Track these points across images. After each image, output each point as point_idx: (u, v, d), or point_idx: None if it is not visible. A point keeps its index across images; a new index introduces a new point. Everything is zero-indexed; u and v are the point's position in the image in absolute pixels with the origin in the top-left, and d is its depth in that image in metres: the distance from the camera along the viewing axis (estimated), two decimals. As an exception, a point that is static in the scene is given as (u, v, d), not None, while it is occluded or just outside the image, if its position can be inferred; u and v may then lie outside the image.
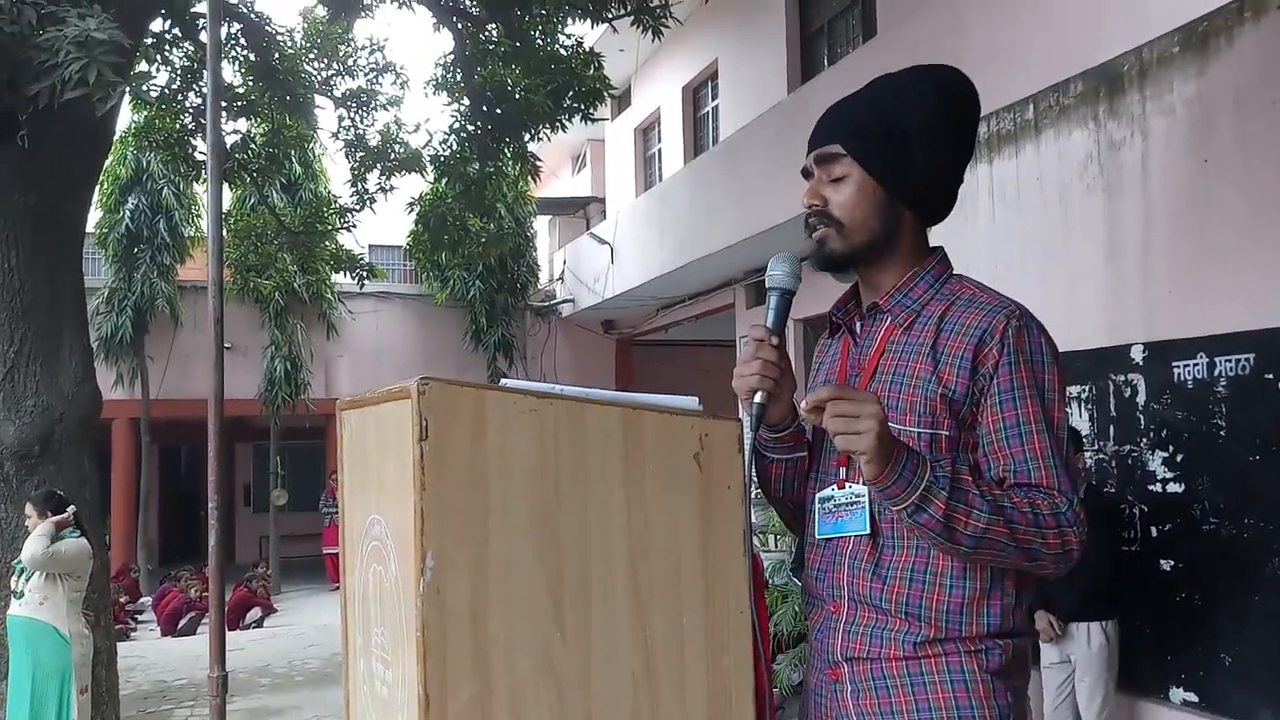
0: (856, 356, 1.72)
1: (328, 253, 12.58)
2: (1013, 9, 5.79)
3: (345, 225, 11.12)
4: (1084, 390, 4.99)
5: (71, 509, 5.41)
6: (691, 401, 1.63)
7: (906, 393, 1.60)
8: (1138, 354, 4.75)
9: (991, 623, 1.57)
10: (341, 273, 13.11)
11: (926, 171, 1.64)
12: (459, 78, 9.07)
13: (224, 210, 5.79)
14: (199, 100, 9.00)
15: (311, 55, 9.64)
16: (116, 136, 9.07)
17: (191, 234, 14.69)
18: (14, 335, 5.92)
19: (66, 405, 6.06)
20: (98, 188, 9.33)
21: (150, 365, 14.68)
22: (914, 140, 1.63)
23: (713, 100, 12.56)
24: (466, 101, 9.10)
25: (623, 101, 14.97)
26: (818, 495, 1.70)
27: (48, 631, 5.28)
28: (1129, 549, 4.74)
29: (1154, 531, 4.66)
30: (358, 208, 10.43)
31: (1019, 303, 1.62)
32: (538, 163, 9.61)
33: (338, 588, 12.27)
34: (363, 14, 8.96)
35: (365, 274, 12.13)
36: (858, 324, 1.75)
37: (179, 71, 8.94)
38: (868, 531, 1.60)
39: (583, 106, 9.00)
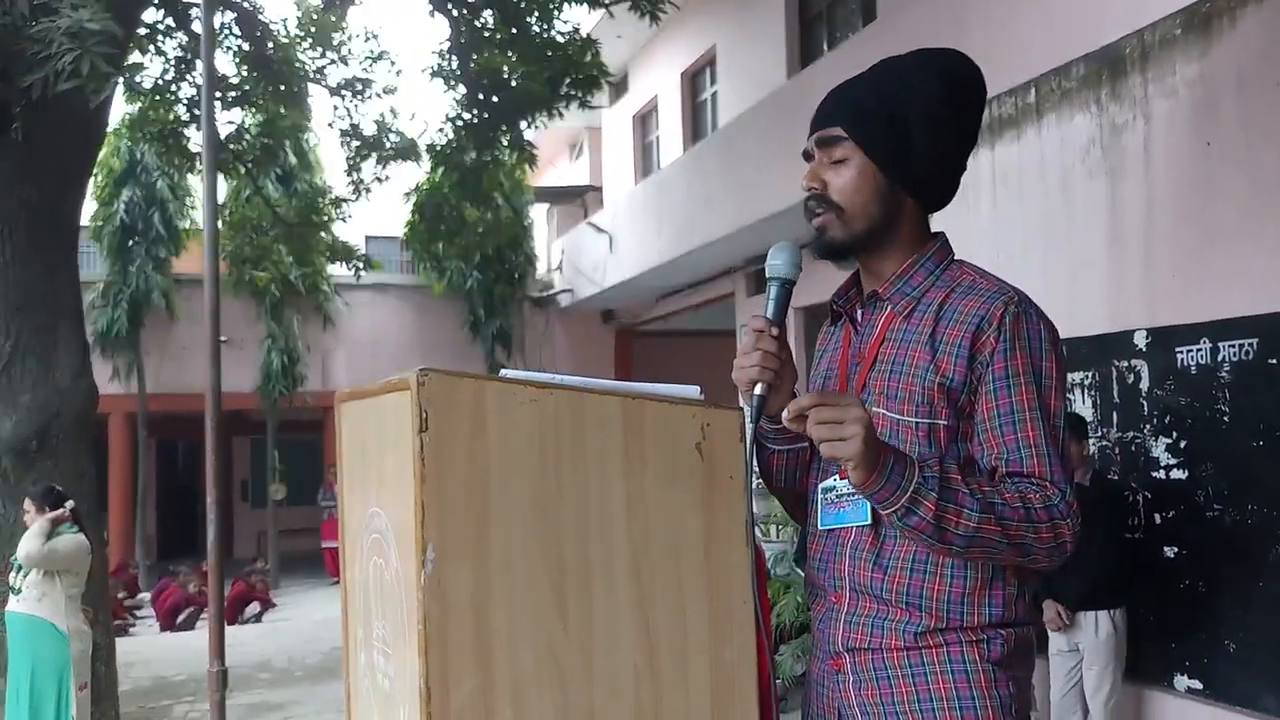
0: (857, 345, 1.70)
1: (324, 244, 12.56)
2: (1012, -8, 5.76)
3: (341, 216, 11.10)
4: (1087, 377, 4.97)
5: (69, 504, 5.39)
6: (693, 391, 1.62)
7: (905, 382, 1.58)
8: (1140, 340, 4.73)
9: (993, 613, 1.56)
10: (338, 264, 13.10)
11: (928, 158, 1.62)
12: (455, 65, 9.03)
13: (219, 202, 5.76)
14: (193, 91, 8.96)
15: (305, 44, 9.60)
16: (110, 128, 9.04)
17: (186, 226, 14.69)
18: (9, 330, 5.90)
19: (63, 400, 6.04)
20: (92, 180, 9.29)
21: (146, 359, 14.68)
22: (916, 126, 1.60)
23: (711, 87, 12.53)
24: (462, 89, 9.06)
25: (620, 88, 14.92)
26: (820, 486, 1.68)
27: (46, 628, 5.27)
28: (1133, 536, 4.73)
29: (1157, 518, 4.65)
30: (353, 198, 10.41)
31: (1018, 289, 1.60)
32: (535, 151, 9.59)
33: (336, 582, 12.35)
34: (356, 1, 8.92)
35: (362, 265, 12.11)
36: (859, 312, 1.73)
37: (172, 62, 8.89)
38: (869, 522, 1.59)
39: (580, 94, 8.96)
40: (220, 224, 5.66)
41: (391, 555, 1.54)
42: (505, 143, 9.35)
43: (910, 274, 1.65)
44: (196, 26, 7.44)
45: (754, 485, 1.61)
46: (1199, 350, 4.43)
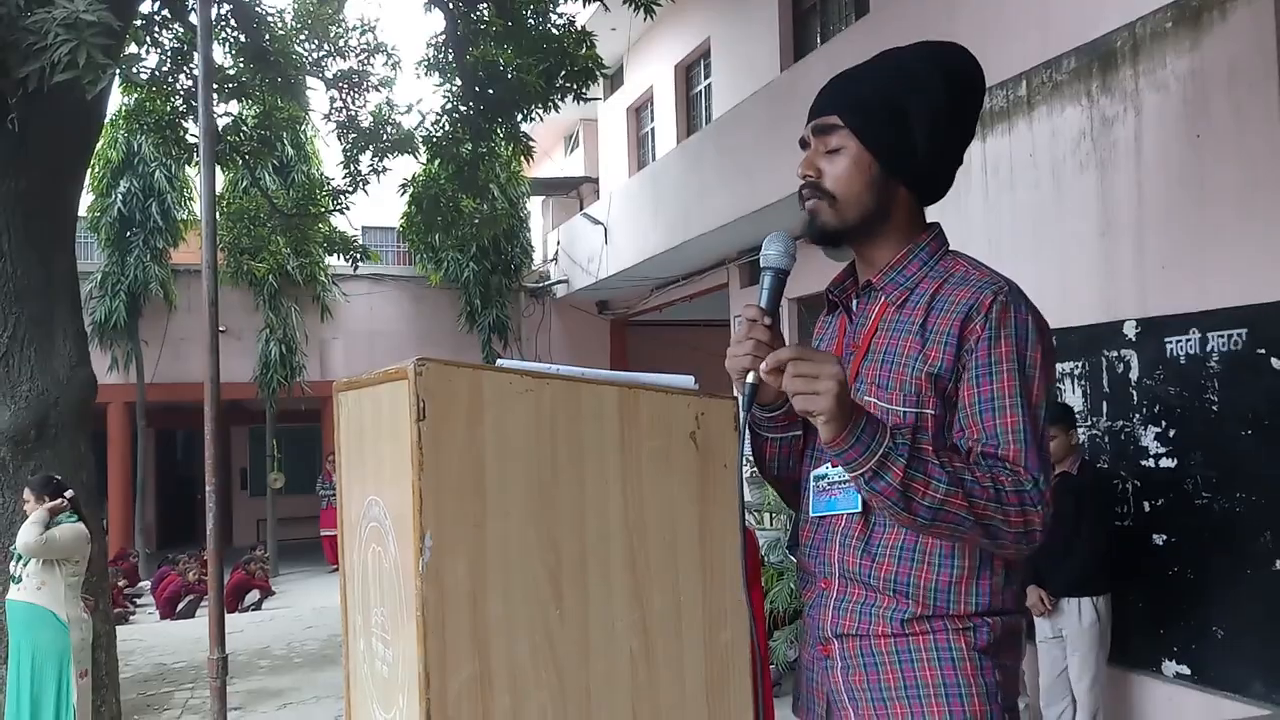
0: (852, 335, 1.71)
1: (321, 235, 12.56)
2: (1006, -15, 5.77)
3: (338, 207, 11.09)
4: (1077, 367, 5.01)
5: (69, 493, 5.41)
6: (687, 380, 1.63)
7: (896, 372, 1.59)
8: (1130, 330, 4.76)
9: (980, 601, 1.57)
10: (335, 255, 13.11)
11: (924, 149, 1.62)
12: (451, 58, 9.03)
13: (216, 193, 5.77)
14: (190, 82, 8.95)
15: (302, 36, 9.58)
16: (107, 119, 9.03)
17: (184, 217, 14.65)
18: (7, 320, 5.91)
19: (61, 390, 6.05)
20: (89, 171, 9.29)
21: (145, 349, 14.67)
22: (913, 117, 1.61)
23: (705, 79, 12.51)
24: (459, 82, 9.06)
25: (615, 81, 14.90)
26: (812, 473, 1.70)
27: (46, 616, 5.29)
28: (1122, 524, 4.77)
29: (1146, 506, 4.69)
30: (350, 189, 10.40)
31: (1009, 280, 1.61)
32: (530, 143, 9.59)
33: (335, 570, 12.30)
34: (353, -6, 8.90)
35: (359, 256, 12.12)
36: (854, 302, 1.74)
37: (169, 53, 8.89)
38: (859, 509, 1.60)
39: (575, 86, 8.97)
40: (218, 215, 5.67)
41: (390, 543, 1.56)
42: (501, 135, 9.34)
43: (904, 264, 1.65)
44: (193, 18, 7.43)
45: (747, 473, 1.63)
46: (1188, 340, 4.46)
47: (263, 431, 15.91)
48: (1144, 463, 4.68)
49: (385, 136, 9.88)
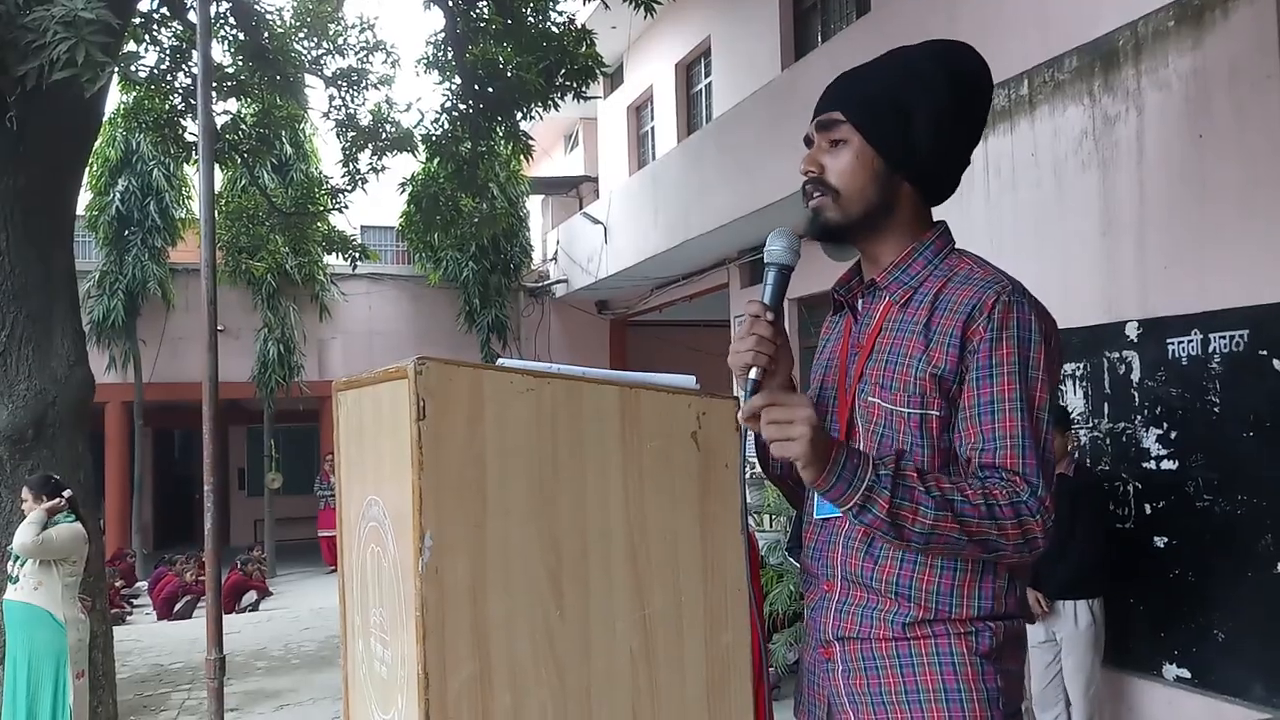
0: (857, 334, 1.70)
1: (320, 234, 12.55)
2: (1007, -16, 5.76)
3: (337, 206, 11.09)
4: (1078, 367, 5.00)
5: (67, 493, 5.40)
6: (689, 380, 1.63)
7: (900, 372, 1.58)
8: (1132, 331, 4.75)
9: (983, 605, 1.56)
10: (334, 254, 13.09)
11: (928, 146, 1.61)
12: (450, 56, 9.03)
13: (215, 191, 5.75)
14: (188, 80, 8.94)
15: (301, 34, 9.57)
16: (106, 117, 9.02)
17: (182, 216, 14.64)
18: (5, 319, 5.90)
19: (59, 389, 6.04)
20: (87, 170, 9.28)
21: (143, 349, 14.65)
22: (917, 115, 1.60)
23: (705, 78, 12.51)
24: (458, 80, 9.05)
25: (615, 79, 14.90)
26: None
27: (43, 616, 5.28)
28: (1123, 526, 4.76)
29: (1148, 509, 4.68)
30: (349, 188, 10.40)
31: (1014, 279, 1.59)
32: (530, 142, 9.58)
33: (333, 570, 12.28)
34: (352, -8, 8.90)
35: (358, 255, 12.10)
36: (859, 301, 1.72)
37: (168, 51, 8.87)
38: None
39: (575, 84, 8.96)
40: (216, 214, 5.65)
41: (389, 543, 1.56)
42: (500, 133, 9.34)
43: (908, 263, 1.64)
44: (192, 16, 7.42)
45: (747, 474, 1.62)
46: (1190, 341, 4.45)
47: (261, 431, 15.90)
48: (1145, 465, 4.67)
49: (384, 135, 9.87)
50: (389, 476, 1.55)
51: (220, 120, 9.51)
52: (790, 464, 1.77)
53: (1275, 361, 4.11)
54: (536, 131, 10.91)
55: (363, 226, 16.33)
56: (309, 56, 9.60)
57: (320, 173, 14.42)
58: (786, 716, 1.85)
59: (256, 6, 8.97)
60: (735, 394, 1.62)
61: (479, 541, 1.43)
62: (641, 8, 8.15)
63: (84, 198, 12.10)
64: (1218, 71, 4.43)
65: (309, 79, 9.69)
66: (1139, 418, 4.71)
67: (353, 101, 9.77)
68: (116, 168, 14.14)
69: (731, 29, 11.30)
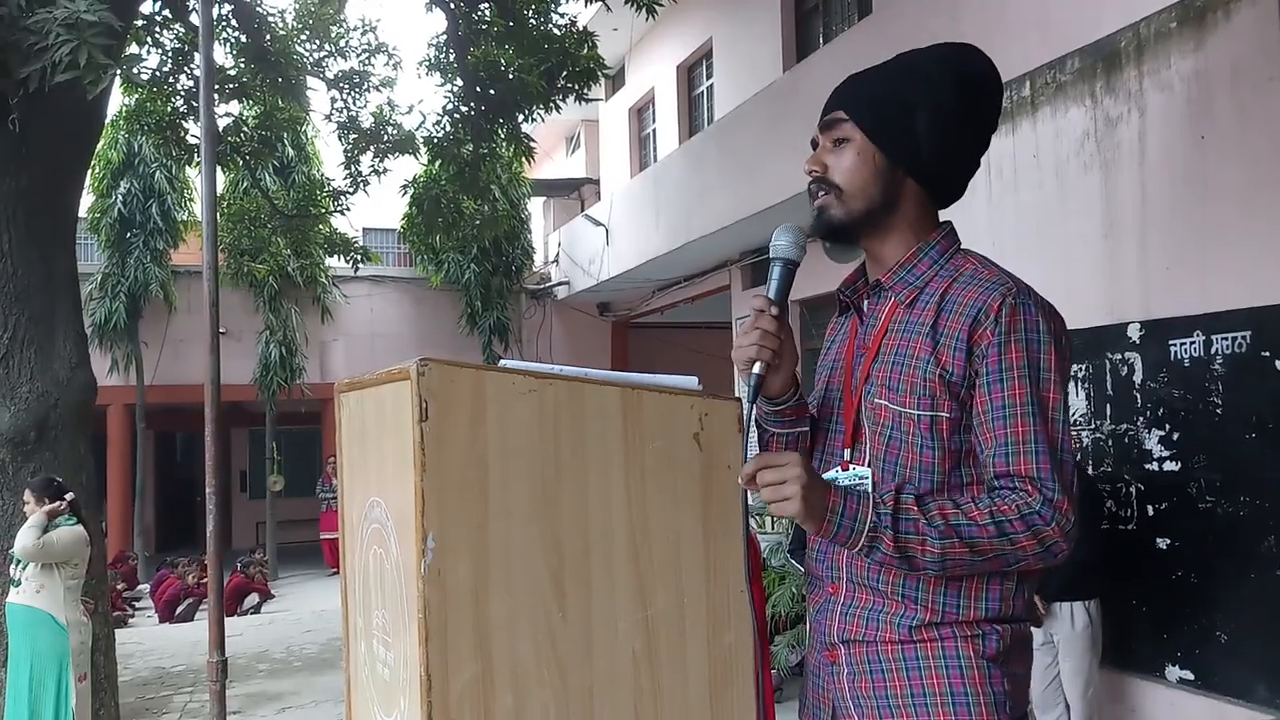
0: (862, 336, 1.69)
1: (321, 236, 12.55)
2: (1009, -14, 5.76)
3: (339, 208, 11.08)
4: (1080, 369, 4.99)
5: (69, 496, 5.40)
6: (691, 381, 1.63)
7: (908, 373, 1.57)
8: (1134, 332, 4.75)
9: (990, 607, 1.55)
10: (335, 256, 13.09)
11: (931, 146, 1.61)
12: (452, 58, 9.02)
13: (217, 194, 5.76)
14: (190, 83, 8.95)
15: (303, 36, 9.57)
16: (108, 120, 9.02)
17: (184, 218, 14.64)
18: (7, 321, 5.90)
19: (61, 391, 6.04)
20: (89, 172, 9.28)
21: (145, 351, 14.65)
22: (921, 114, 1.60)
23: (707, 79, 12.51)
24: (460, 82, 9.05)
25: (616, 81, 14.90)
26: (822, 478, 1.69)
27: (45, 619, 5.28)
28: (1125, 528, 4.76)
29: (1150, 510, 4.67)
30: (351, 190, 10.40)
31: (1019, 280, 1.58)
32: (532, 144, 9.57)
33: (335, 573, 12.27)
34: (354, -6, 8.90)
35: (359, 257, 12.10)
36: (865, 302, 1.72)
37: (170, 54, 8.88)
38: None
39: (576, 87, 8.95)
40: (218, 216, 5.65)
41: (391, 544, 1.55)
42: (502, 136, 9.34)
43: (914, 263, 1.64)
44: (194, 18, 7.43)
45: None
46: (1192, 343, 4.45)
47: (262, 434, 15.90)
48: (1148, 466, 4.66)
49: (386, 137, 9.87)
50: (391, 478, 1.55)
51: (222, 122, 9.51)
52: None
53: (1278, 363, 4.10)
54: (538, 134, 10.89)
55: (364, 229, 16.35)
56: (311, 59, 9.60)
57: (322, 175, 14.42)
58: (789, 719, 1.84)
59: (258, 9, 8.97)
60: (738, 392, 1.62)
61: (481, 543, 1.43)
62: (643, 10, 8.15)
63: (86, 200, 12.12)
64: (1220, 73, 4.43)
65: (311, 81, 9.69)
66: (1141, 419, 4.71)
67: (355, 104, 9.77)
68: (119, 170, 14.15)
69: (733, 31, 11.30)
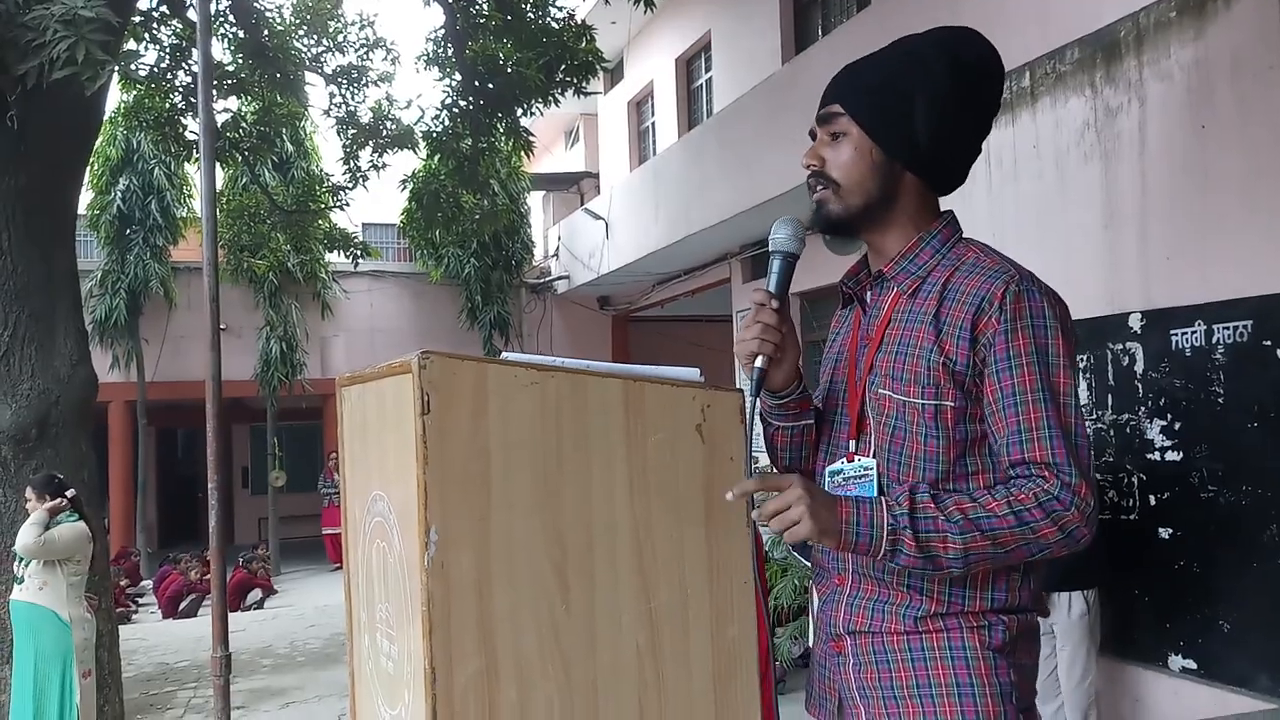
0: (865, 327, 1.69)
1: (321, 232, 12.54)
2: (1008, -24, 5.74)
3: (338, 203, 11.08)
4: (1082, 359, 4.98)
5: (70, 493, 5.40)
6: (693, 373, 1.63)
7: (911, 363, 1.56)
8: (1135, 322, 4.74)
9: (996, 598, 1.54)
10: (335, 252, 13.09)
11: (929, 136, 1.60)
12: (450, 52, 9.01)
13: (216, 190, 5.75)
14: (189, 79, 8.93)
15: (301, 32, 9.56)
16: (106, 116, 9.02)
17: (184, 214, 14.63)
18: (8, 318, 5.90)
19: (62, 388, 6.04)
20: (88, 169, 9.28)
21: (145, 347, 14.65)
22: (918, 104, 1.59)
23: (706, 72, 12.49)
24: (458, 76, 9.04)
25: (615, 75, 14.88)
26: (827, 469, 1.68)
27: (48, 616, 5.29)
28: (1127, 518, 4.76)
29: (1152, 500, 4.67)
30: (350, 186, 10.39)
31: (1023, 268, 1.58)
32: (530, 138, 9.56)
33: (337, 568, 12.27)
34: (352, -12, 8.89)
35: (359, 252, 12.10)
36: (867, 294, 1.71)
37: (168, 50, 8.87)
38: None
39: (575, 80, 8.95)
40: (218, 212, 5.64)
41: (394, 538, 1.55)
42: (501, 130, 9.33)
43: (915, 252, 1.64)
44: (192, 14, 7.41)
45: (755, 466, 1.62)
46: (1194, 332, 4.44)
47: (264, 429, 15.90)
48: (1149, 456, 4.66)
49: (385, 132, 9.86)
50: (394, 471, 1.55)
51: (221, 118, 9.50)
52: (801, 456, 1.76)
53: (1279, 351, 4.10)
54: (537, 127, 10.89)
55: (364, 224, 16.32)
56: (309, 54, 9.59)
57: (321, 170, 14.42)
58: (792, 710, 1.85)
59: (256, 4, 8.96)
60: (739, 385, 1.62)
61: (484, 535, 1.43)
62: (641, 3, 8.14)
63: (85, 197, 12.13)
64: (1220, 62, 4.42)
65: (309, 76, 9.68)
66: (1143, 409, 4.70)
67: (353, 99, 9.76)
68: (118, 166, 14.14)
69: (732, 24, 11.28)
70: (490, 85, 8.85)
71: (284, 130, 11.58)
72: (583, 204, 15.16)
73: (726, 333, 12.09)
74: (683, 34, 12.65)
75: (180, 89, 9.11)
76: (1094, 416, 4.94)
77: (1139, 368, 4.72)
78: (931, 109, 1.59)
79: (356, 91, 9.76)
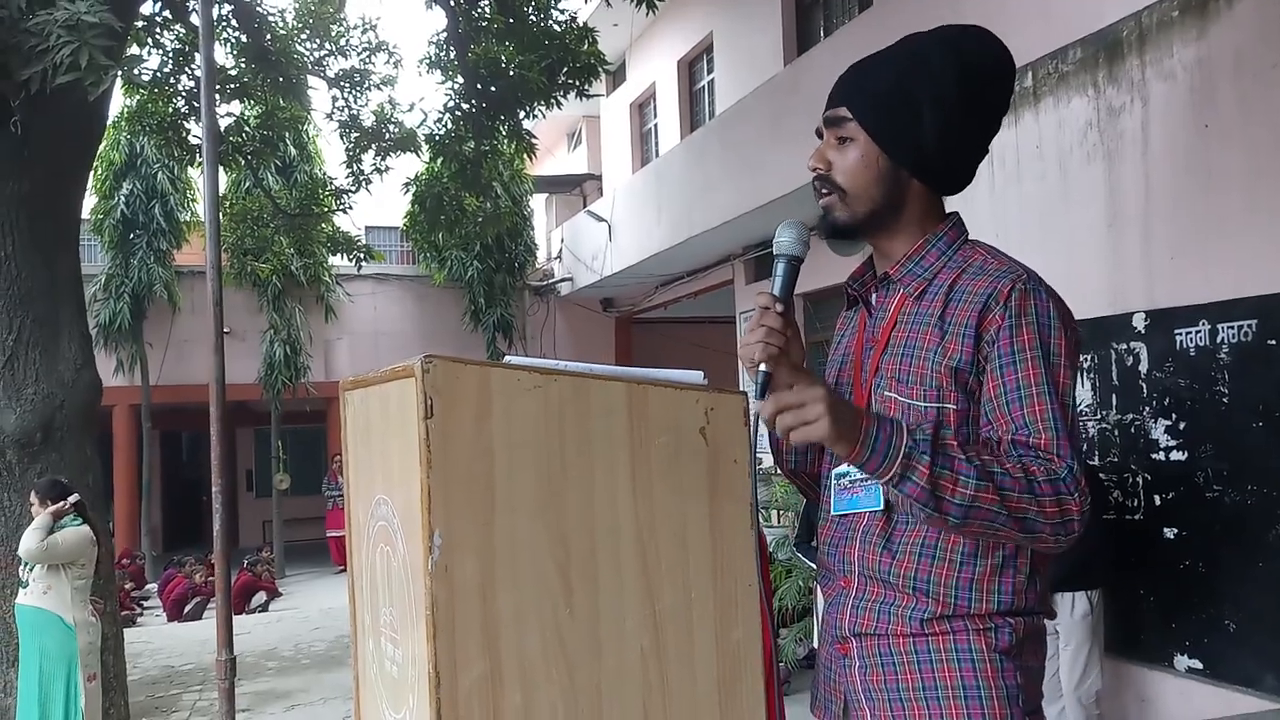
0: (871, 329, 1.68)
1: (324, 235, 12.55)
2: (1010, -24, 5.74)
3: (341, 207, 11.09)
4: (1086, 359, 4.98)
5: (74, 497, 5.41)
6: (696, 376, 1.62)
7: (916, 365, 1.56)
8: (1139, 322, 4.73)
9: (1002, 600, 1.54)
10: (339, 255, 13.10)
11: (935, 141, 1.59)
12: (452, 55, 9.02)
13: (219, 194, 5.76)
14: (191, 83, 8.95)
15: (303, 35, 9.57)
16: (109, 121, 9.03)
17: (187, 219, 14.64)
18: (13, 323, 5.91)
19: (67, 392, 6.05)
20: (92, 173, 9.29)
21: (149, 351, 14.67)
22: (925, 107, 1.58)
23: (708, 74, 12.50)
24: (460, 79, 9.05)
25: (617, 77, 14.89)
26: (833, 471, 1.67)
27: (53, 620, 5.29)
28: (1132, 518, 4.75)
29: (1157, 500, 4.66)
30: (353, 189, 10.40)
31: (1029, 268, 1.57)
32: (533, 140, 9.57)
33: (342, 570, 12.29)
34: (354, -7, 8.91)
35: (362, 256, 12.11)
36: (873, 296, 1.71)
37: (170, 54, 8.89)
38: (881, 507, 1.57)
39: (577, 82, 8.95)
40: (221, 216, 5.64)
41: (398, 542, 1.55)
42: (504, 132, 9.34)
43: (921, 255, 1.63)
44: (194, 19, 7.42)
45: (761, 467, 1.61)
46: (1198, 332, 4.43)
47: (268, 433, 15.91)
48: (1154, 456, 4.66)
49: (387, 135, 9.87)
50: (397, 475, 1.55)
51: (224, 123, 9.52)
52: (806, 459, 1.76)
53: (1284, 351, 4.09)
54: (539, 130, 10.90)
55: (367, 227, 16.32)
56: (311, 58, 9.60)
57: (324, 174, 14.42)
58: (796, 711, 1.84)
59: (258, 9, 8.97)
60: (743, 388, 1.61)
61: (488, 539, 1.43)
62: (643, 5, 8.14)
63: (89, 201, 12.14)
64: (1223, 62, 4.42)
65: (312, 80, 9.69)
66: (1147, 409, 4.70)
67: (356, 102, 9.77)
68: (121, 171, 14.16)
69: (733, 25, 11.28)
70: (492, 88, 8.86)
71: (287, 134, 11.60)
72: (585, 206, 15.16)
73: (730, 334, 12.09)
74: (684, 36, 12.66)
75: (183, 93, 9.12)
76: (1098, 416, 4.94)
77: (1143, 367, 4.71)
78: (939, 115, 1.58)
79: (359, 95, 9.77)
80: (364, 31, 9.75)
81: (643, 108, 14.76)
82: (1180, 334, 4.52)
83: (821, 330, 9.31)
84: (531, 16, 8.78)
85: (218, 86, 8.14)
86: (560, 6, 9.08)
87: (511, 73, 8.72)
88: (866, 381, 1.64)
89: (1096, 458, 4.90)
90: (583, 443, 1.49)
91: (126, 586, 12.29)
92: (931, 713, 1.52)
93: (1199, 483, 4.45)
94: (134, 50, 7.93)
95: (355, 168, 10.13)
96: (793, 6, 10.10)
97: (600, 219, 13.52)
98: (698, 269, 12.39)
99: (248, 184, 12.93)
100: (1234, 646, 4.31)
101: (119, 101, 11.16)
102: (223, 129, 9.25)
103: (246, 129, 10.04)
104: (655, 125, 14.16)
